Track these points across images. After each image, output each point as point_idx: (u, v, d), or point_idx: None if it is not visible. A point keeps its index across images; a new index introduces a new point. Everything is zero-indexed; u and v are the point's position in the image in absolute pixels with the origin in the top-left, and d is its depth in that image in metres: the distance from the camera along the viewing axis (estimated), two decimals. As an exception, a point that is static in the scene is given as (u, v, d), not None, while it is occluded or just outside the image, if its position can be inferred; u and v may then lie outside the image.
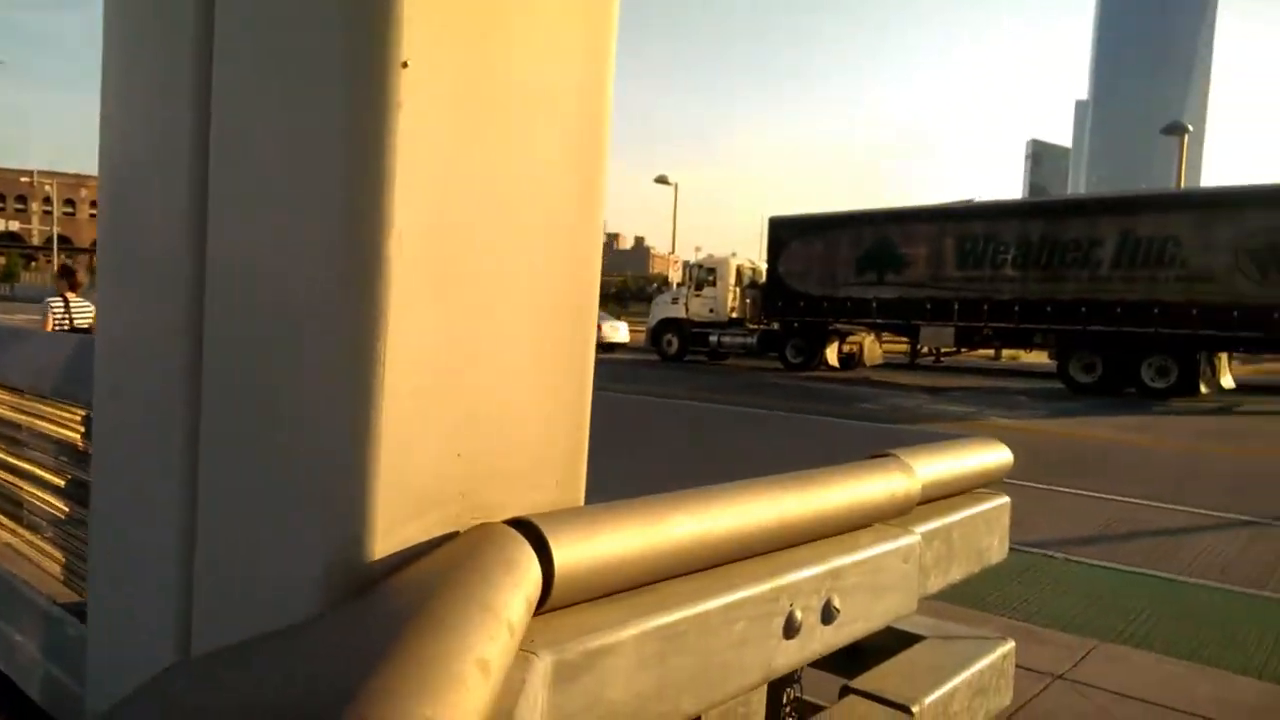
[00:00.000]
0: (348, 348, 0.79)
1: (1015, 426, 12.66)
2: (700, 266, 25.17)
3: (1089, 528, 6.40)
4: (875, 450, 1.52)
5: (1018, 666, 3.50)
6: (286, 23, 0.86)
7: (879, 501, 1.35)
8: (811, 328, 22.71)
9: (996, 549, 1.72)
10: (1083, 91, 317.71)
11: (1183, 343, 16.91)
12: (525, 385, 0.94)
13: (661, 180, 37.42)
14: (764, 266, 24.18)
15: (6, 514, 1.87)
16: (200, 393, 0.94)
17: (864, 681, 1.51)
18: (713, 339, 24.33)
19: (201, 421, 0.94)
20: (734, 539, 1.07)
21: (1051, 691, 3.33)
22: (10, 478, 1.86)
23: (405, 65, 0.78)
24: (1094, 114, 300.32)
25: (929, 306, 20.33)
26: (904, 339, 22.95)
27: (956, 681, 1.52)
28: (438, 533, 0.86)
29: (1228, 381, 18.41)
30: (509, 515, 0.90)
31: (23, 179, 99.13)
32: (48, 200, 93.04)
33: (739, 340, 24.02)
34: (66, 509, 1.61)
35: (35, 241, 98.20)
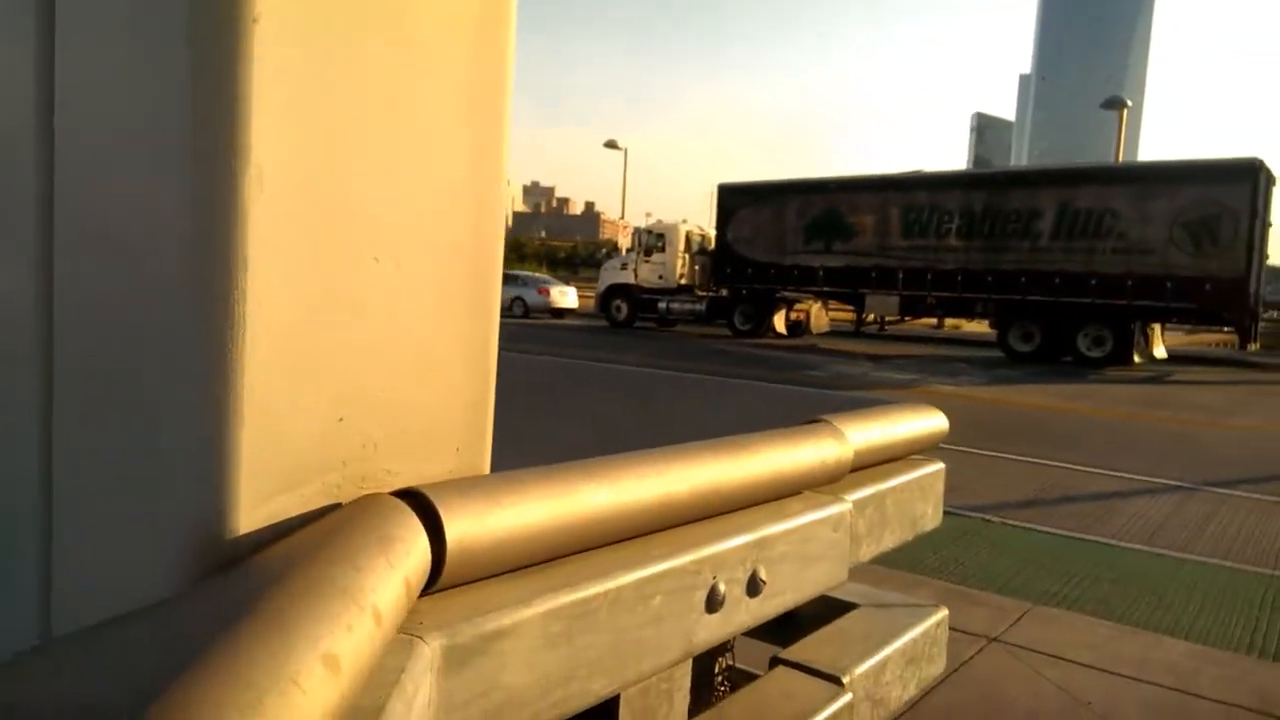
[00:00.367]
0: (202, 305, 0.69)
1: (956, 394, 12.88)
2: (650, 232, 25.03)
3: (1025, 492, 6.53)
4: (809, 416, 1.46)
5: (953, 630, 3.55)
6: None
7: (809, 468, 1.29)
8: (759, 295, 22.79)
9: (930, 516, 1.69)
10: (1026, 66, 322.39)
11: (1118, 313, 17.36)
12: (419, 343, 0.85)
13: (611, 145, 37.04)
14: (713, 233, 24.15)
15: None
16: (52, 361, 0.84)
17: (795, 652, 1.47)
18: (662, 305, 24.29)
19: (55, 391, 0.84)
20: (652, 509, 1.01)
21: (986, 654, 3.37)
22: None
23: None
24: (1037, 88, 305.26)
25: (874, 275, 20.53)
26: (850, 307, 23.18)
27: (888, 651, 1.49)
28: (317, 505, 0.77)
29: (1160, 351, 18.98)
30: (401, 485, 0.82)
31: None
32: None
33: (688, 307, 24.02)
34: None
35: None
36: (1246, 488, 6.98)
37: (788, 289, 22.52)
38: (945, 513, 5.12)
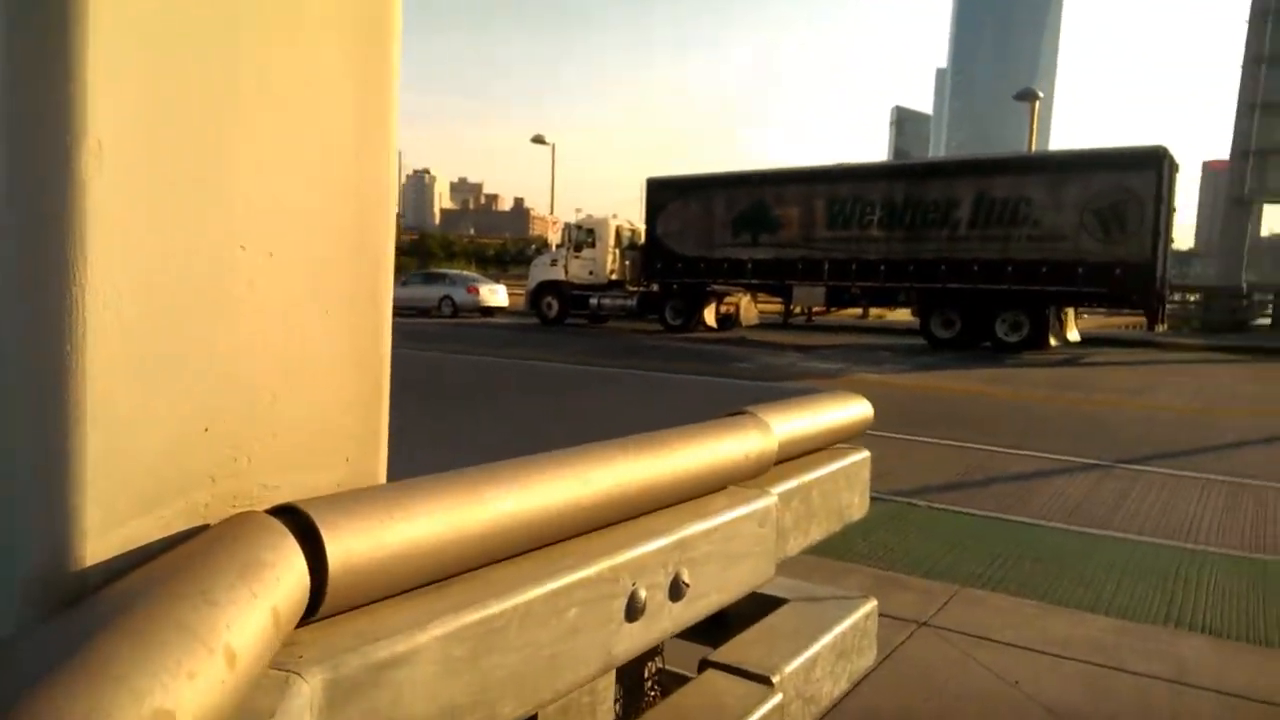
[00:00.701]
0: (32, 301, 0.60)
1: (881, 381, 13.13)
2: (579, 228, 24.87)
3: (949, 475, 6.67)
4: (734, 409, 1.42)
5: (884, 616, 3.57)
6: None
7: (733, 462, 1.25)
8: (690, 289, 22.87)
9: (858, 505, 1.67)
10: (943, 60, 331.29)
11: (1033, 299, 17.93)
12: (299, 341, 0.77)
13: (539, 140, 36.72)
14: (643, 228, 24.13)
15: None
16: None
17: (724, 653, 1.43)
18: (593, 302, 24.18)
19: None
20: (565, 514, 0.94)
21: (916, 639, 3.41)
22: None
23: None
24: (953, 81, 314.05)
25: (801, 267, 20.79)
26: (778, 299, 23.44)
27: (818, 647, 1.46)
28: (181, 528, 0.69)
29: (1074, 335, 19.68)
30: (281, 502, 0.74)
31: None
32: None
33: (619, 303, 23.97)
34: None
35: None
36: (1158, 464, 7.27)
37: (717, 282, 22.66)
38: (873, 499, 5.17)
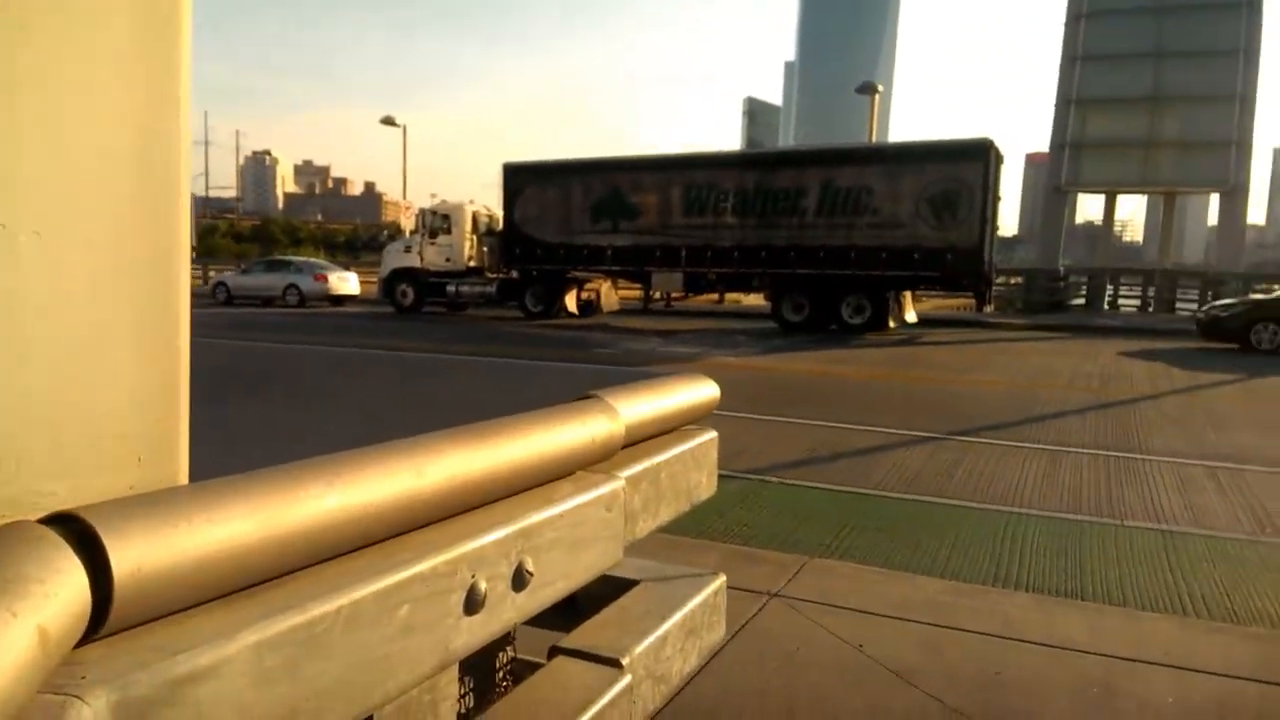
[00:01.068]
0: None
1: (736, 364, 13.50)
2: (434, 213, 24.19)
3: (800, 452, 6.93)
4: (582, 392, 1.41)
5: (738, 589, 3.67)
6: None
7: (579, 447, 1.24)
8: (550, 276, 22.73)
9: (706, 485, 1.70)
10: (791, 54, 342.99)
11: (875, 283, 18.91)
12: (77, 332, 0.70)
13: (388, 121, 35.41)
14: (501, 214, 23.76)
15: None
16: None
17: (575, 638, 1.42)
18: (450, 289, 23.62)
19: None
20: (396, 508, 0.90)
21: (768, 610, 3.52)
22: None
23: None
24: (800, 75, 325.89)
25: (659, 253, 21.06)
26: (638, 285, 23.66)
27: (668, 625, 1.47)
28: None
29: (911, 316, 20.88)
30: (61, 508, 0.66)
31: None
32: None
33: (478, 290, 23.53)
34: None
35: None
36: (986, 435, 7.82)
37: (578, 269, 22.62)
38: (728, 477, 5.31)
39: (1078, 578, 4.24)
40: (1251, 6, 32.28)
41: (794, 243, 19.45)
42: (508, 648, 1.60)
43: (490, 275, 23.85)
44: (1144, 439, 7.79)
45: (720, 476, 5.63)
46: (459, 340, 17.11)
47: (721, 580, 1.70)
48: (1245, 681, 2.97)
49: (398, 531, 0.92)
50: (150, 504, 0.69)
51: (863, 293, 19.05)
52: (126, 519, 0.64)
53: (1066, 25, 34.91)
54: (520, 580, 1.05)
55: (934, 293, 22.06)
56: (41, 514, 0.65)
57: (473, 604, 0.96)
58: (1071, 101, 34.41)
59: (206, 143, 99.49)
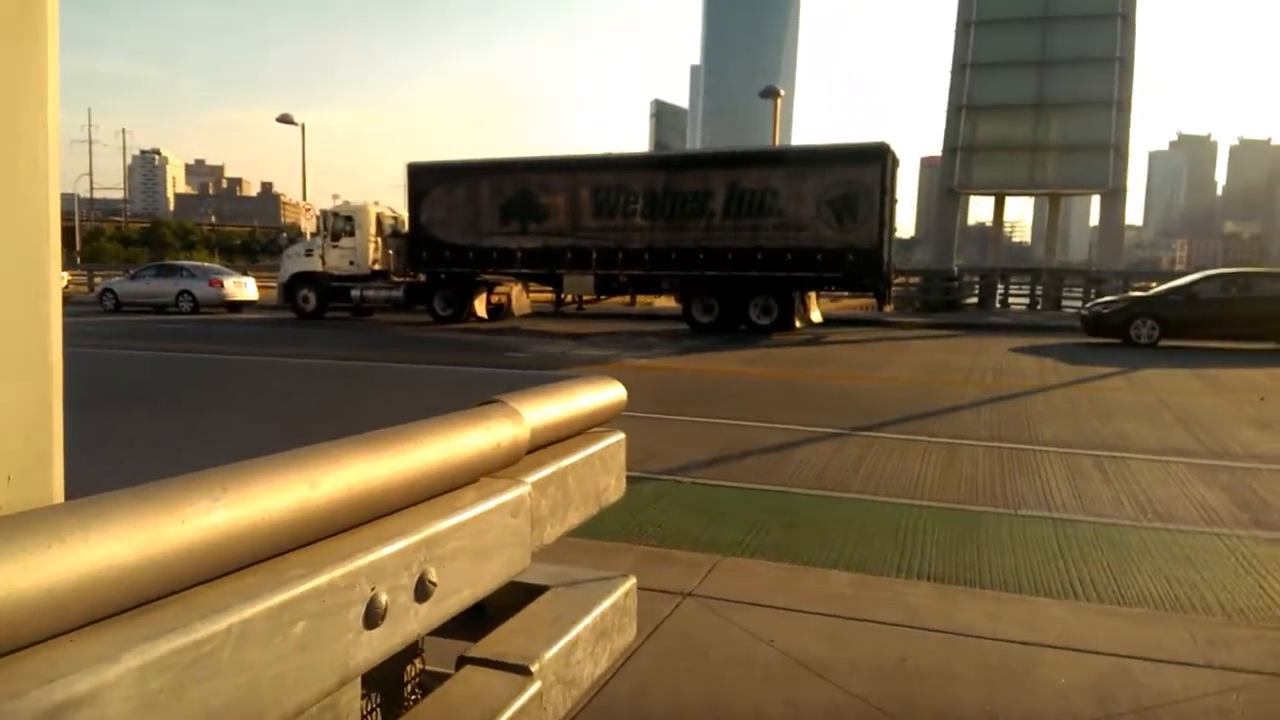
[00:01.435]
0: None
1: (648, 365, 13.58)
2: (337, 215, 23.48)
3: (711, 451, 7.02)
4: (485, 397, 1.39)
5: (651, 590, 3.68)
6: None
7: (483, 453, 1.22)
8: (459, 279, 22.39)
9: (614, 488, 1.69)
10: (697, 57, 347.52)
11: (781, 284, 19.32)
12: None
13: (286, 120, 34.17)
14: (406, 215, 23.26)
15: None
16: None
17: (483, 646, 1.39)
18: (355, 293, 22.99)
19: None
20: (290, 522, 0.87)
21: (682, 609, 3.55)
22: None
23: None
24: (705, 78, 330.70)
25: (570, 256, 21.00)
26: (549, 288, 23.58)
27: (578, 630, 1.46)
28: None
29: (816, 316, 21.42)
30: None
31: None
32: None
33: (384, 294, 22.97)
34: None
35: None
36: (888, 430, 8.08)
37: (488, 272, 22.35)
38: (642, 478, 5.35)
39: (976, 566, 4.41)
40: (1125, 19, 34.37)
41: (702, 245, 19.69)
42: (415, 660, 1.56)
43: (396, 279, 23.34)
44: (1035, 430, 8.18)
45: (633, 478, 5.63)
46: (363, 346, 16.69)
47: (632, 582, 1.70)
48: (1132, 660, 3.15)
49: (291, 546, 0.89)
50: (20, 525, 0.65)
51: (770, 294, 19.43)
52: None
53: (956, 33, 36.46)
54: (423, 591, 1.03)
55: (838, 293, 22.67)
56: None
57: (373, 617, 0.94)
58: (962, 107, 35.94)
59: (90, 141, 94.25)
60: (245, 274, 28.57)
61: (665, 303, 24.81)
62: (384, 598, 0.95)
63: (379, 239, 23.26)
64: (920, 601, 3.74)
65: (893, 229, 19.65)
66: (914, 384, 11.66)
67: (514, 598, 1.57)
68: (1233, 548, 4.71)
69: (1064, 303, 27.80)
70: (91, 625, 0.68)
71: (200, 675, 0.72)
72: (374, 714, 1.38)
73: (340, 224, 23.21)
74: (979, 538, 4.88)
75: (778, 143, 28.48)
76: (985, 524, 5.15)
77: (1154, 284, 20.86)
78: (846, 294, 23.02)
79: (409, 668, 1.58)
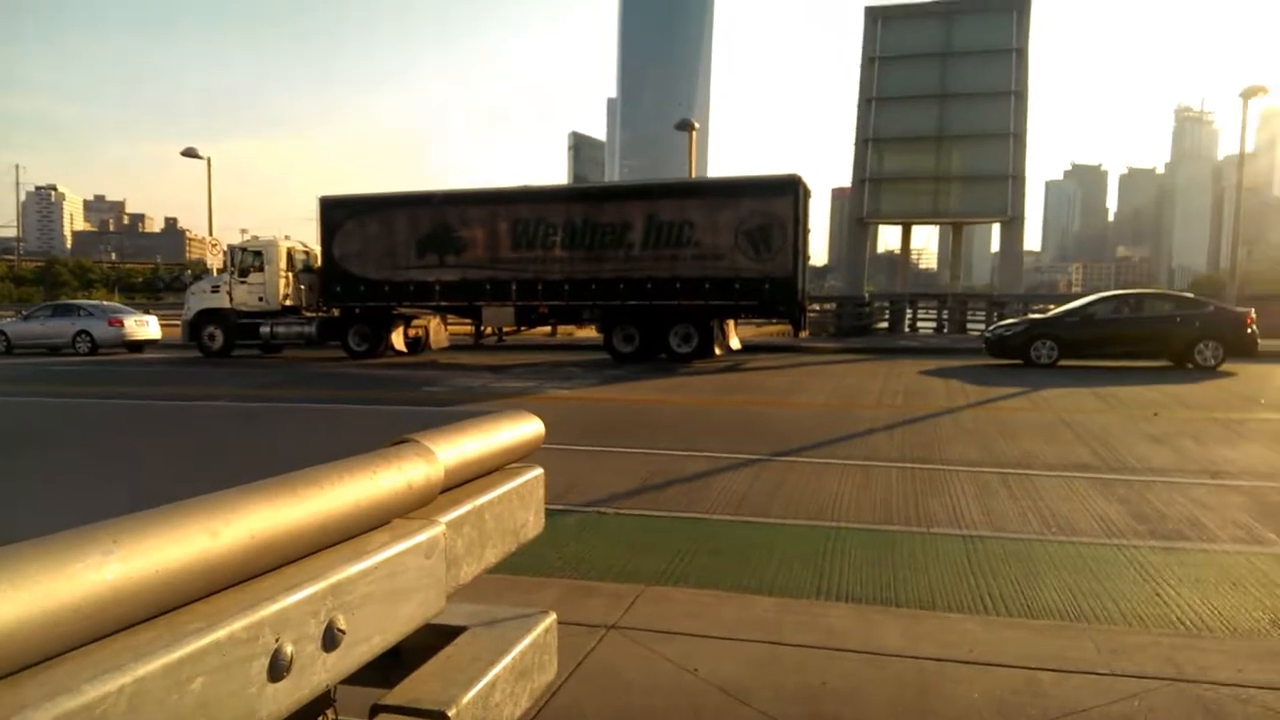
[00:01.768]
0: None
1: (570, 396, 13.54)
2: (245, 250, 22.81)
3: (634, 481, 7.03)
4: (400, 436, 1.37)
5: (575, 624, 3.65)
6: None
7: (394, 494, 1.20)
8: (375, 313, 21.98)
9: (533, 523, 1.69)
10: (613, 90, 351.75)
11: (700, 312, 19.59)
12: None
13: (190, 154, 33.16)
14: (319, 249, 22.75)
15: None
16: None
17: (399, 693, 1.37)
18: (265, 330, 22.32)
19: None
20: (186, 574, 0.84)
21: (606, 642, 3.53)
22: None
23: None
24: (622, 110, 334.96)
25: (489, 287, 20.87)
26: (469, 320, 23.34)
27: (496, 670, 1.45)
28: None
29: (736, 343, 21.75)
30: None
31: None
32: None
33: (295, 330, 22.36)
34: None
35: None
36: (806, 454, 8.24)
37: (404, 305, 22.01)
38: (566, 510, 5.30)
39: (892, 585, 4.52)
40: (1019, 54, 36.28)
41: (622, 275, 19.83)
42: (328, 710, 1.52)
43: (308, 314, 22.77)
44: (945, 450, 8.45)
45: (557, 510, 5.60)
46: (273, 384, 16.19)
47: (552, 619, 1.69)
48: (1040, 671, 3.27)
49: (191, 598, 0.87)
50: None
51: (690, 322, 19.66)
52: None
53: (862, 68, 37.85)
54: (331, 640, 1.01)
55: (755, 320, 23.07)
56: None
57: (278, 670, 0.91)
58: (868, 140, 37.26)
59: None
60: (147, 312, 27.42)
61: (587, 333, 24.83)
62: (289, 648, 0.93)
63: (290, 274, 22.68)
64: (840, 623, 3.81)
65: (807, 257, 20.15)
66: (830, 408, 11.92)
67: (431, 640, 1.54)
68: (1131, 558, 4.94)
69: (969, 326, 28.91)
70: None
71: None
72: (285, 768, 1.34)
73: (249, 259, 22.57)
74: (895, 557, 5.00)
75: (694, 174, 28.98)
76: (900, 543, 5.28)
77: (1052, 306, 21.89)
78: (764, 321, 23.43)
79: (323, 716, 1.53)
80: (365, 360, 21.26)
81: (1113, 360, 17.31)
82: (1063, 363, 17.10)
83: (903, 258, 46.59)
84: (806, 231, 19.83)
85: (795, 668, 3.30)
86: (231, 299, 22.46)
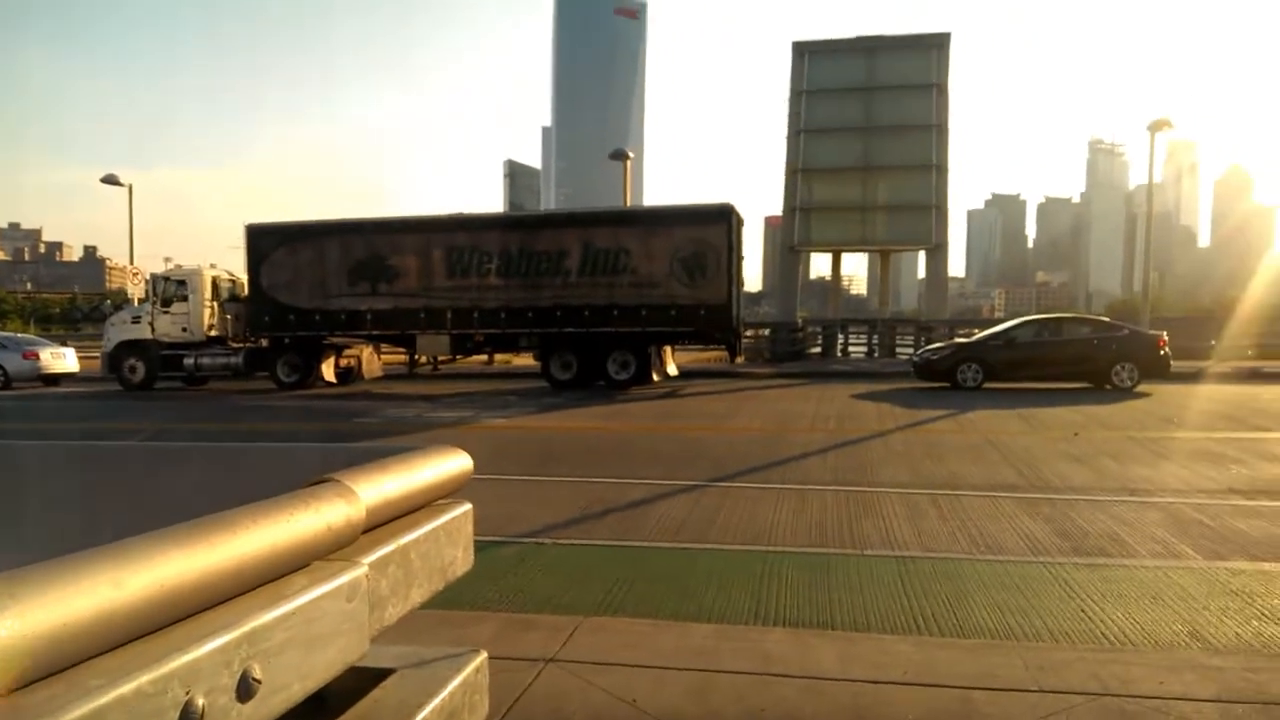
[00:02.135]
0: None
1: (507, 425, 13.42)
2: (168, 279, 22.10)
3: (572, 511, 6.98)
4: (321, 475, 1.34)
5: (512, 658, 3.59)
6: None
7: (313, 536, 1.17)
8: (305, 343, 21.48)
9: (462, 560, 1.66)
10: (548, 119, 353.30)
11: (637, 339, 19.66)
12: None
13: (111, 180, 32.08)
14: (246, 278, 22.18)
15: None
16: None
17: (322, 741, 1.32)
18: (189, 361, 21.61)
19: None
20: (88, 628, 0.81)
21: (544, 676, 3.48)
22: None
23: None
24: (557, 139, 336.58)
25: (424, 316, 20.60)
26: (403, 349, 22.95)
27: (424, 713, 1.41)
28: None
29: (673, 370, 21.86)
30: None
31: None
32: None
33: (221, 361, 21.70)
34: None
35: None
36: (743, 479, 8.29)
37: (336, 334, 21.57)
38: (503, 542, 5.23)
39: (828, 608, 4.56)
40: (939, 89, 37.65)
41: (559, 302, 19.80)
42: None
43: (235, 344, 22.14)
44: (877, 473, 8.61)
45: (495, 542, 5.54)
46: (196, 418, 15.67)
47: (482, 657, 1.66)
48: (972, 690, 3.33)
49: (95, 653, 0.83)
50: None
51: (627, 349, 19.71)
52: None
53: (790, 101, 38.81)
54: (246, 690, 0.97)
55: (692, 346, 23.24)
56: None
57: None
58: (798, 170, 38.14)
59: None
60: (64, 344, 26.34)
61: (524, 361, 24.67)
62: (200, 701, 0.90)
63: (215, 303, 22.06)
64: (777, 648, 3.82)
65: (741, 284, 20.42)
66: (765, 433, 12.05)
67: (358, 684, 1.50)
68: (1056, 574, 5.09)
69: (898, 350, 29.59)
70: None
71: None
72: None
73: (172, 288, 21.88)
74: (830, 580, 5.05)
75: (630, 202, 29.20)
76: (835, 565, 5.34)
77: (977, 331, 22.55)
78: (701, 347, 23.62)
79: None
80: (295, 391, 20.75)
81: (1035, 382, 17.89)
82: (988, 385, 17.61)
83: (834, 284, 47.61)
84: (740, 259, 20.10)
85: (733, 695, 3.30)
86: (154, 330, 21.74)
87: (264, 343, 21.88)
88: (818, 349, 30.54)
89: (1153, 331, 18.77)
